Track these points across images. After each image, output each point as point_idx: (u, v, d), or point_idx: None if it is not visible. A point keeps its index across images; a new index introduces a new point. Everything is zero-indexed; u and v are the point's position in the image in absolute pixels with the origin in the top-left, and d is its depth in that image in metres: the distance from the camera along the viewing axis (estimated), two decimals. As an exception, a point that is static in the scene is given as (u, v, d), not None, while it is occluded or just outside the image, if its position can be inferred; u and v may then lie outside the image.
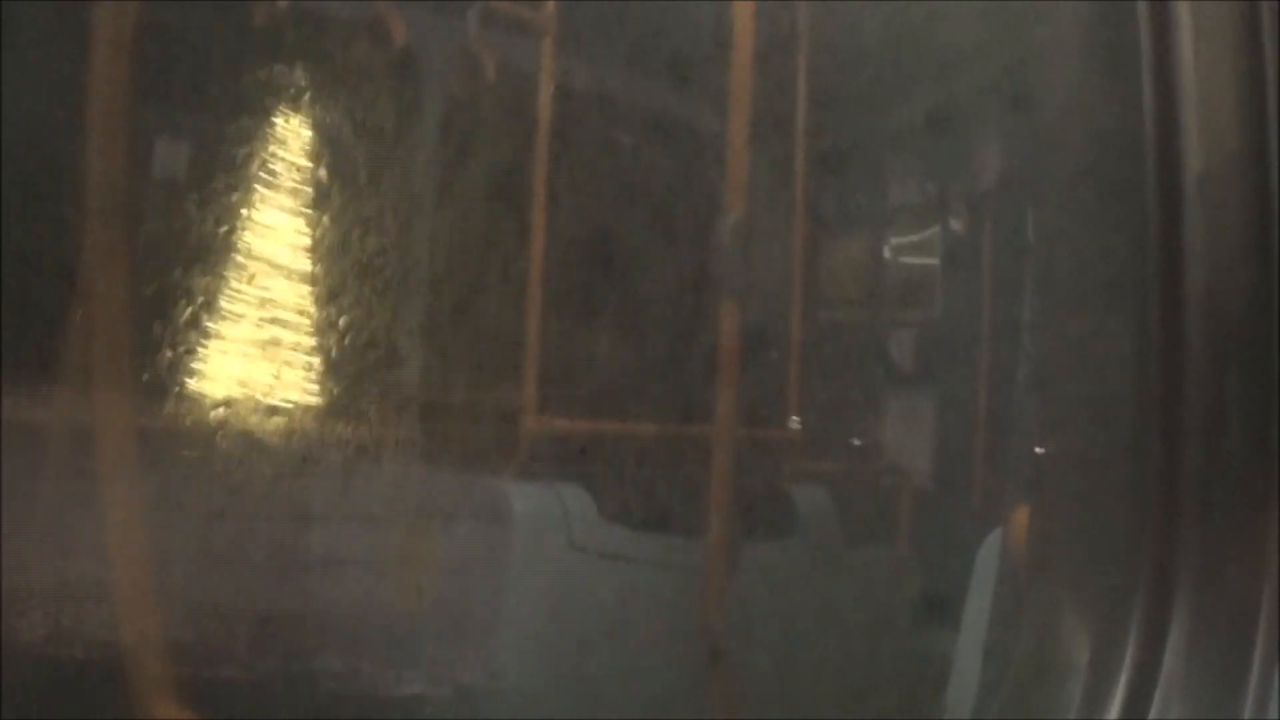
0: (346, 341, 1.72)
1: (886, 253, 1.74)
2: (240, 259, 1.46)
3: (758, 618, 1.52)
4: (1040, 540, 0.99)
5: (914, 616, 1.50)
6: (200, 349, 1.53)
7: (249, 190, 1.59)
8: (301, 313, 1.69)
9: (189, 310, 1.36)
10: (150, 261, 1.33)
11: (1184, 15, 0.82)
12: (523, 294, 1.53)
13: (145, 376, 1.33)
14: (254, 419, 1.74)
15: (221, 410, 1.67)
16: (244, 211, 1.53)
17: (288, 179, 1.66)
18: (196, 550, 1.70)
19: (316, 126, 1.68)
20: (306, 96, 1.57)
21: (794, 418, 1.57)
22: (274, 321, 1.74)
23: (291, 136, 1.59)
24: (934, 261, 1.69)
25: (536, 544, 1.46)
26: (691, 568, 1.50)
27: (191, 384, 1.51)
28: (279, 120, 1.54)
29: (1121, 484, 0.87)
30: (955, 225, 1.65)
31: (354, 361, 1.75)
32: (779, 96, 1.63)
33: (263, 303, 1.67)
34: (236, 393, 1.69)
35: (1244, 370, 0.84)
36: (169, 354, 1.37)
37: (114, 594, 1.32)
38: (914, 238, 1.73)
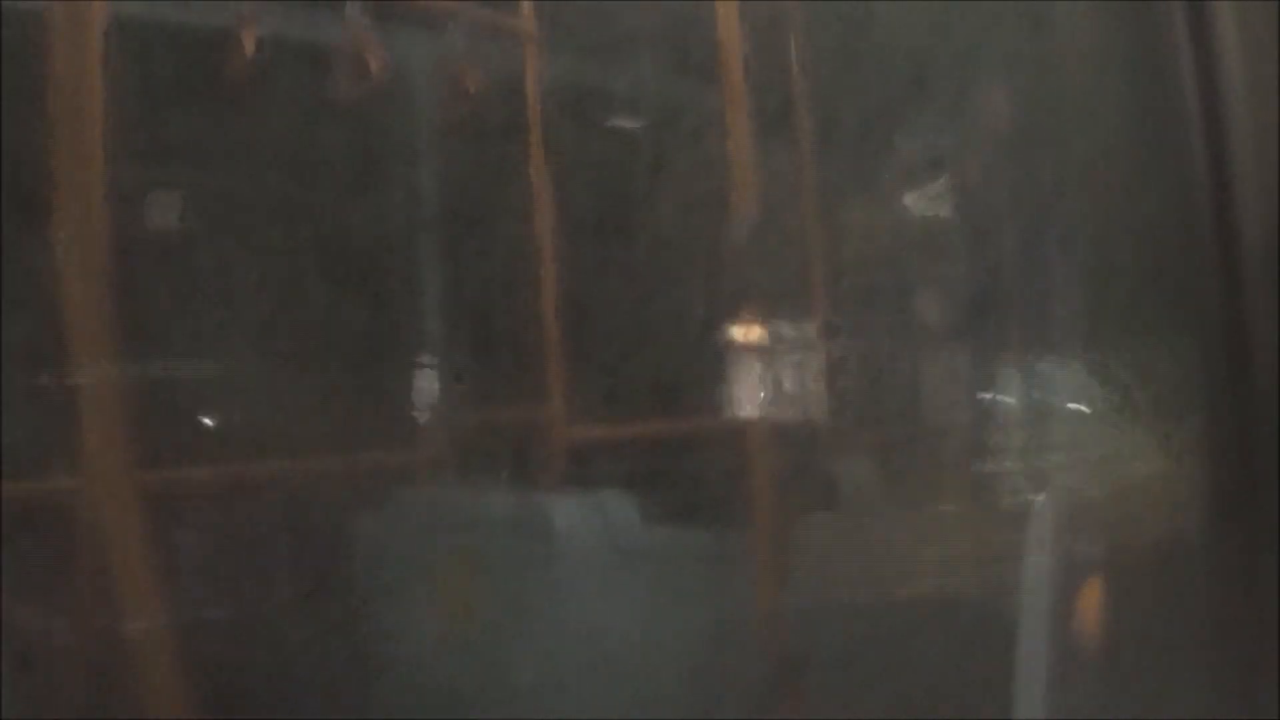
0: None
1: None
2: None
3: (814, 599, 1.50)
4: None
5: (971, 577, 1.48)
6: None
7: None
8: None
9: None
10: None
11: (1234, 76, 0.77)
12: (539, 301, 1.51)
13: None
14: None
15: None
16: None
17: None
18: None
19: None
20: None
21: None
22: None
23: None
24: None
25: (580, 554, 1.45)
26: (741, 559, 1.48)
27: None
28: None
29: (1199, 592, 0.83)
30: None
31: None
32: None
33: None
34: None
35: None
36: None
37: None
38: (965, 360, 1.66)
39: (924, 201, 1.65)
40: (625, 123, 1.63)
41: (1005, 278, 1.56)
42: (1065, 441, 1.45)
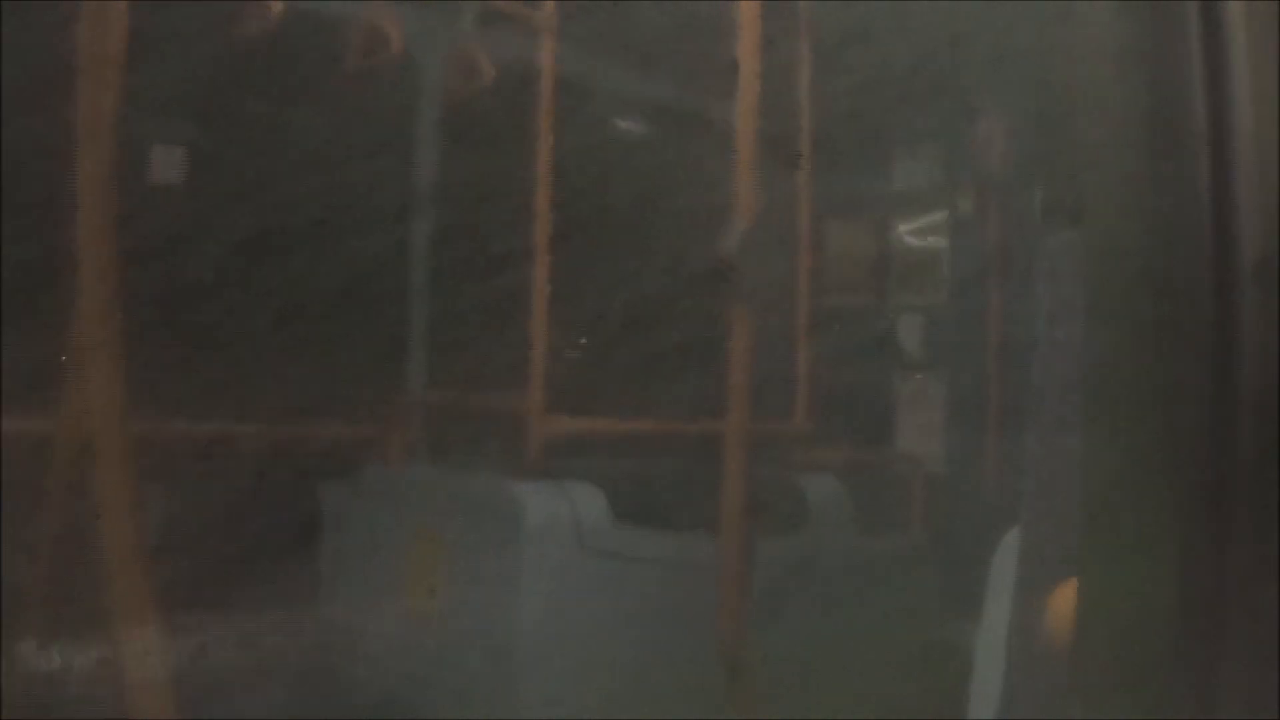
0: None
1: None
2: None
3: (776, 613, 1.51)
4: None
5: (933, 606, 1.48)
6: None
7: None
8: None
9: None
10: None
11: (1243, 92, 0.78)
12: (528, 295, 1.51)
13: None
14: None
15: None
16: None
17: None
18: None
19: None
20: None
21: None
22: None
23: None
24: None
25: (547, 547, 1.44)
26: (706, 566, 1.48)
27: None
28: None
29: (1172, 604, 0.83)
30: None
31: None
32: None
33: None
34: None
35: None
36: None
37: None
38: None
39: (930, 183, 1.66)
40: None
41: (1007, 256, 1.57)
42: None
